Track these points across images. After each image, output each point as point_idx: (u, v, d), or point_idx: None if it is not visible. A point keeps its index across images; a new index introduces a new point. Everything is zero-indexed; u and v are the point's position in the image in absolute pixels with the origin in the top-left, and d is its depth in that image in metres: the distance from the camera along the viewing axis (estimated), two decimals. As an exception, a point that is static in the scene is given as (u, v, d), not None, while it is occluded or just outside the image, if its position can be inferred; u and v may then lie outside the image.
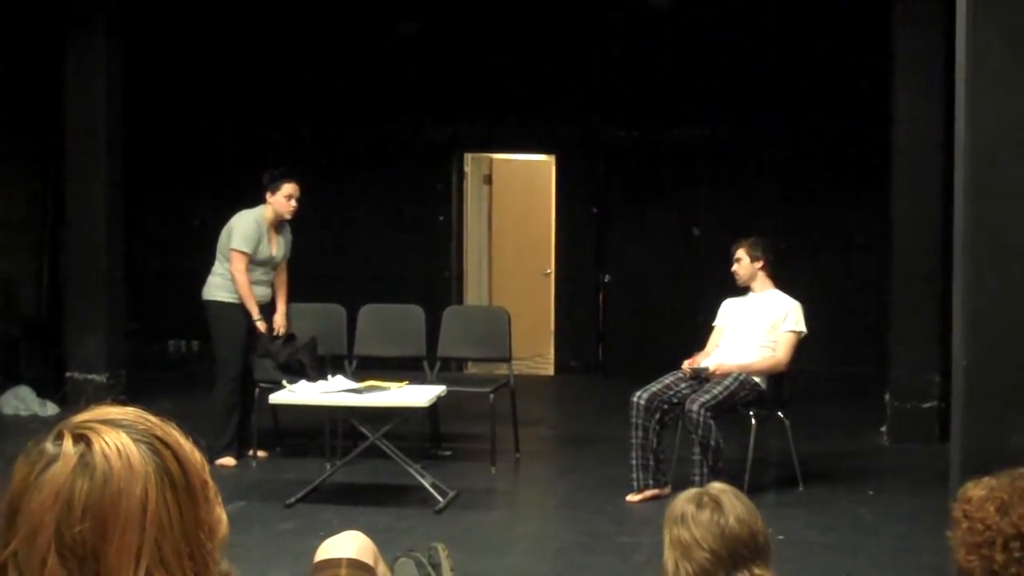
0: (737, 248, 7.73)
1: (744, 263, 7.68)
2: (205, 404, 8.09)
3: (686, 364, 7.46)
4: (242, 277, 7.98)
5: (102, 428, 1.40)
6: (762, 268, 7.66)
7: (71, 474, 1.36)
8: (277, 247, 8.20)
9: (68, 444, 1.39)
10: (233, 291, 8.04)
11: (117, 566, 1.35)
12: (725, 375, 7.32)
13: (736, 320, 7.67)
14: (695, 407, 7.07)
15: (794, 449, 7.55)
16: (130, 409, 1.45)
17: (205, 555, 1.41)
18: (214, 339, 8.23)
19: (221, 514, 1.48)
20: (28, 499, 1.36)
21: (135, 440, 1.40)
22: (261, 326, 8.04)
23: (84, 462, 1.37)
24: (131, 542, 1.35)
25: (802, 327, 7.56)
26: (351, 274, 11.80)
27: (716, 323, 7.82)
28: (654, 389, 7.34)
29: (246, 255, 7.99)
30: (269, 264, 8.18)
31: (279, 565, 5.88)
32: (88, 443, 1.38)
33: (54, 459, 1.38)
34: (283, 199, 8.09)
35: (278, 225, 8.21)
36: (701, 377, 7.36)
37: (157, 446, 1.41)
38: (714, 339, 7.75)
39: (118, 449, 1.38)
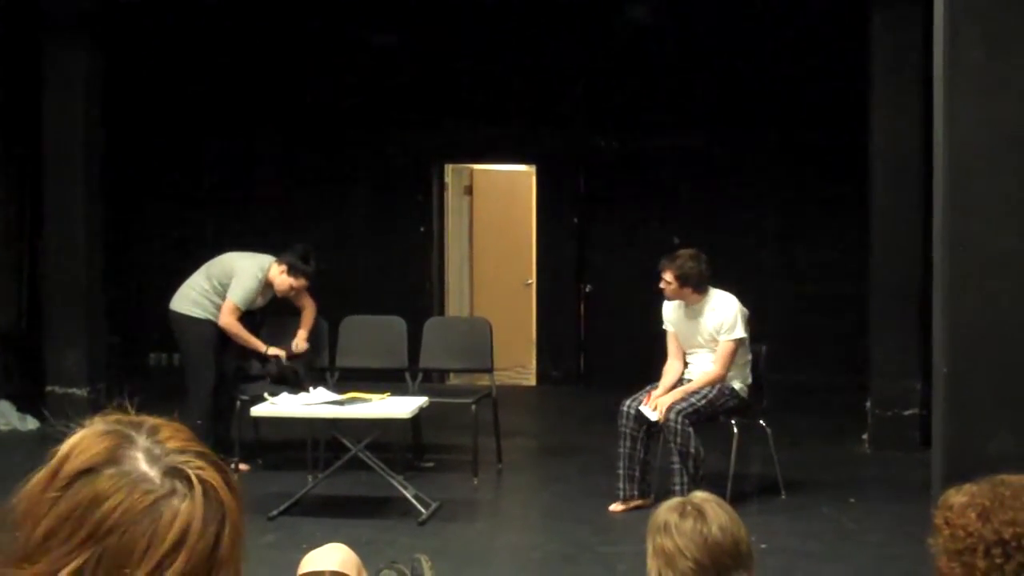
0: (665, 270, 7.35)
1: (672, 287, 7.34)
2: (181, 421, 8.06)
3: (645, 401, 7.26)
4: (237, 328, 8.17)
5: (205, 464, 1.41)
6: (693, 291, 7.33)
7: (201, 510, 1.35)
8: (262, 298, 8.39)
9: (190, 476, 1.38)
10: (206, 310, 8.20)
11: None
12: (686, 395, 7.20)
13: (684, 329, 7.47)
14: (672, 415, 7.06)
15: (776, 457, 7.56)
16: (200, 444, 1.46)
17: None
18: (185, 353, 8.43)
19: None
20: (135, 526, 1.33)
21: (225, 480, 1.40)
22: (272, 352, 8.24)
23: (208, 499, 1.37)
24: None
25: (740, 333, 7.29)
26: (332, 285, 11.74)
27: (667, 327, 7.56)
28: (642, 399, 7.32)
29: (240, 310, 8.18)
30: (249, 308, 8.36)
31: (262, 578, 5.86)
32: (201, 481, 1.38)
33: (173, 492, 1.36)
34: (288, 283, 8.26)
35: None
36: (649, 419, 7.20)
37: (233, 483, 1.42)
38: (672, 344, 7.54)
39: (224, 486, 1.39)
